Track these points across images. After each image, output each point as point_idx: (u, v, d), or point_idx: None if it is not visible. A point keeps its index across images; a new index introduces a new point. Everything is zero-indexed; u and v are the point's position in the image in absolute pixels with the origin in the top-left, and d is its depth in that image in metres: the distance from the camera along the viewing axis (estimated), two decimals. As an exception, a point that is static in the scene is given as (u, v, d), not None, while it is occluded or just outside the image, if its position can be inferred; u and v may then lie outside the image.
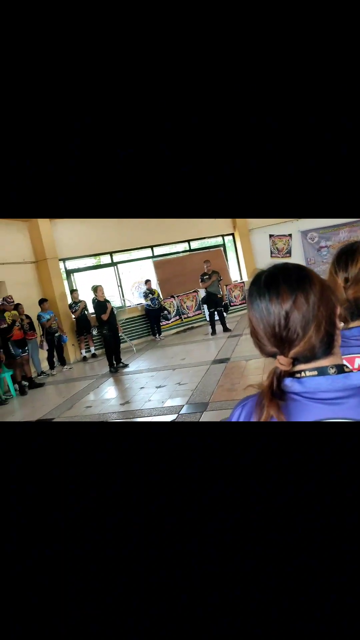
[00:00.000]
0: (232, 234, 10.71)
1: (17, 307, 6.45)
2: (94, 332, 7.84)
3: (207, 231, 10.24)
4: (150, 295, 8.47)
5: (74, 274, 8.70)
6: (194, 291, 9.18)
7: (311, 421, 0.71)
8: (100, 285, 6.45)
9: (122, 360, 6.63)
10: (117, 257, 9.19)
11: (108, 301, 6.44)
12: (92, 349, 8.04)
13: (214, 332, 7.88)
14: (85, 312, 7.81)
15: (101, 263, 9.10)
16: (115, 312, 6.64)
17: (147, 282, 8.55)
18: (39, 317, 7.00)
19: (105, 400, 5.05)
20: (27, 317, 6.65)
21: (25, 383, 6.29)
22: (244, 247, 10.51)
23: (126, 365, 6.57)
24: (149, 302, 8.45)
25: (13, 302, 6.32)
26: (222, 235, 10.62)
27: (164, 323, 8.87)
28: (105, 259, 9.13)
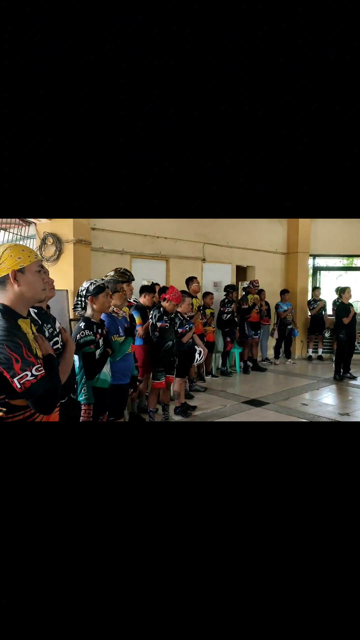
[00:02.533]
0: None
1: (260, 292, 6.81)
2: (326, 335, 7.53)
3: None
4: None
5: (321, 271, 8.49)
6: None
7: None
8: (349, 287, 6.08)
9: (350, 371, 6.15)
10: (372, 262, 8.41)
11: (352, 305, 6.03)
12: (320, 350, 7.76)
13: None
14: (322, 312, 7.55)
15: (353, 265, 8.54)
16: (357, 319, 6.16)
17: None
18: (277, 306, 7.21)
19: (323, 404, 4.83)
20: (267, 303, 6.96)
21: (250, 364, 6.65)
22: None
23: (354, 378, 6.06)
24: None
25: (258, 286, 6.70)
26: None
27: None
28: (358, 262, 8.51)
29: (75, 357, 2.28)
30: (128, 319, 3.07)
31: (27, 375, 1.29)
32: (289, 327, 7.26)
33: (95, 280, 2.56)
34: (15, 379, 1.28)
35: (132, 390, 3.18)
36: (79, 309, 2.51)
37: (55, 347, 1.81)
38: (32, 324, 1.49)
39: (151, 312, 3.79)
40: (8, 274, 1.39)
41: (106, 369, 2.48)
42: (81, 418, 2.32)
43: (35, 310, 1.84)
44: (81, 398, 2.36)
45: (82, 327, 2.38)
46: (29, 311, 1.52)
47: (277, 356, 7.40)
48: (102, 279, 2.78)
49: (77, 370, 2.33)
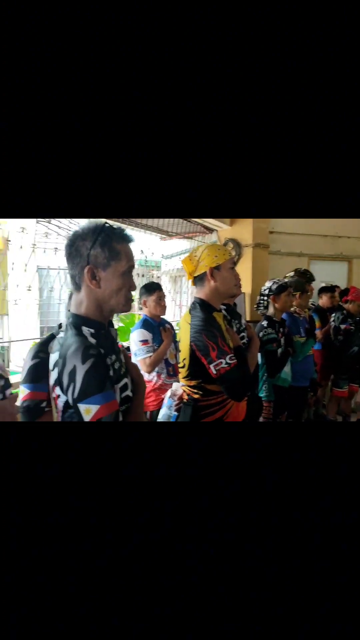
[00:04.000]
0: None
1: None
2: None
3: None
4: None
5: None
6: None
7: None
8: None
9: None
10: None
11: None
12: None
13: None
14: None
15: None
16: None
17: None
18: None
19: None
20: None
21: None
22: None
23: None
24: None
25: None
26: None
27: None
28: None
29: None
30: (308, 320, 2.98)
31: (221, 362, 1.39)
32: None
33: (278, 280, 2.58)
34: (211, 365, 1.40)
35: (311, 394, 3.07)
36: (262, 307, 2.57)
37: (242, 341, 1.90)
38: (224, 318, 1.61)
39: (332, 314, 3.59)
40: (206, 272, 1.53)
41: (287, 369, 2.47)
42: (262, 415, 2.37)
43: (224, 307, 1.97)
44: (262, 394, 2.41)
45: (265, 324, 2.42)
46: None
47: None
48: (285, 278, 2.78)
49: (259, 367, 2.39)
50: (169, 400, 1.64)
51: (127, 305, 1.04)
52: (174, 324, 2.91)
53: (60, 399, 0.94)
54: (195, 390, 1.50)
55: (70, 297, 1.11)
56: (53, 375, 0.97)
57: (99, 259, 0.97)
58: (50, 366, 0.99)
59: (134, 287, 1.05)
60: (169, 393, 1.67)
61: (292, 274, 3.01)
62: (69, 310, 1.04)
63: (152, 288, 2.60)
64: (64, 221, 4.14)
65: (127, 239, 1.02)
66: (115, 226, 1.02)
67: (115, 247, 0.98)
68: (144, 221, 4.11)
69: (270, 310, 2.53)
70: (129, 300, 1.04)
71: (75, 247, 0.98)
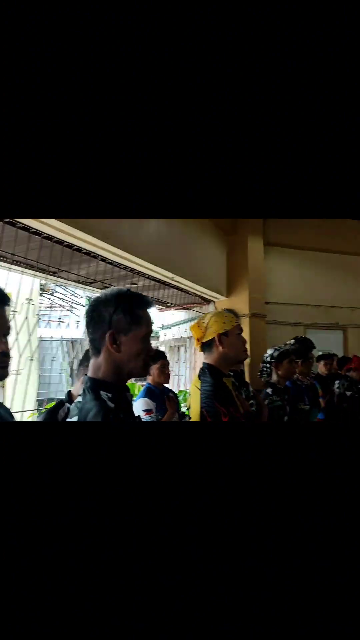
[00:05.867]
0: None
1: None
2: None
3: None
4: None
5: None
6: None
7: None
8: None
9: None
10: None
11: None
12: None
13: None
14: None
15: None
16: None
17: None
18: None
19: None
20: None
21: None
22: None
23: None
24: None
25: None
26: None
27: None
28: None
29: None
30: (311, 388, 2.98)
31: None
32: None
33: (280, 347, 2.62)
34: None
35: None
36: (265, 375, 2.58)
37: (252, 408, 1.89)
38: (233, 384, 1.61)
39: (336, 382, 3.58)
40: (214, 337, 1.57)
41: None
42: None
43: (232, 374, 1.98)
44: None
45: (270, 392, 2.41)
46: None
47: None
48: (285, 345, 2.82)
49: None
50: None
51: (145, 369, 1.06)
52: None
53: None
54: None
55: (71, 366, 1.15)
56: None
57: (121, 324, 1.00)
58: None
59: (152, 351, 1.08)
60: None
61: (292, 341, 3.06)
62: (85, 375, 1.05)
63: (157, 356, 2.62)
64: (67, 293, 4.25)
65: (148, 305, 1.06)
66: (136, 292, 1.07)
67: (136, 312, 1.02)
68: (143, 293, 4.25)
69: (274, 378, 2.53)
70: (147, 364, 1.06)
71: (97, 313, 1.02)
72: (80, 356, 1.76)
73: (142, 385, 2.67)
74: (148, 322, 1.05)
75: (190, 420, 1.54)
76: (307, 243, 5.50)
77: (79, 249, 2.74)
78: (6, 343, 1.01)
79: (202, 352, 1.62)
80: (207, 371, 1.53)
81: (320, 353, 4.64)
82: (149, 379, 2.61)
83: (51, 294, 4.29)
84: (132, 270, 3.41)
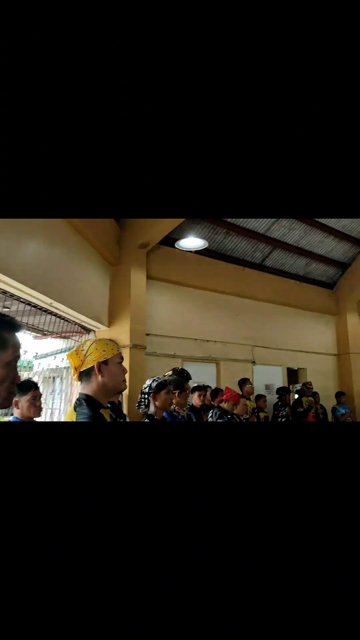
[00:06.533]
0: None
1: (314, 395, 6.56)
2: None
3: None
4: None
5: (377, 372, 8.14)
6: None
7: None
8: None
9: None
10: None
11: None
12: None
13: None
14: (385, 416, 7.05)
15: None
16: None
17: None
18: (334, 410, 6.84)
19: None
20: (322, 407, 6.64)
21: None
22: None
23: None
24: None
25: (312, 388, 6.48)
26: None
27: None
28: None
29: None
30: (187, 419, 3.04)
31: None
32: (350, 432, 6.76)
33: (158, 377, 2.63)
34: None
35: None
36: (143, 406, 2.55)
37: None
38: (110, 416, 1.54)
39: (210, 412, 3.73)
40: (93, 366, 1.49)
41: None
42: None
43: (109, 405, 1.90)
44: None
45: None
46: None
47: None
48: (164, 376, 2.85)
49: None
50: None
51: (7, 400, 0.93)
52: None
53: None
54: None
55: None
56: None
57: None
58: None
59: (18, 380, 0.96)
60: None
61: (170, 372, 3.11)
62: None
63: (27, 386, 2.38)
64: None
65: (16, 328, 0.95)
66: (2, 313, 0.95)
67: (2, 335, 0.90)
68: (17, 318, 3.92)
69: (151, 409, 2.52)
70: (11, 394, 0.94)
71: None
72: None
73: (9, 420, 2.40)
74: (15, 346, 0.93)
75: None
76: (186, 280, 5.81)
77: None
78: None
79: (79, 382, 1.52)
80: (84, 402, 1.44)
81: (195, 384, 4.82)
82: (17, 413, 2.35)
83: None
84: (5, 292, 3.13)
